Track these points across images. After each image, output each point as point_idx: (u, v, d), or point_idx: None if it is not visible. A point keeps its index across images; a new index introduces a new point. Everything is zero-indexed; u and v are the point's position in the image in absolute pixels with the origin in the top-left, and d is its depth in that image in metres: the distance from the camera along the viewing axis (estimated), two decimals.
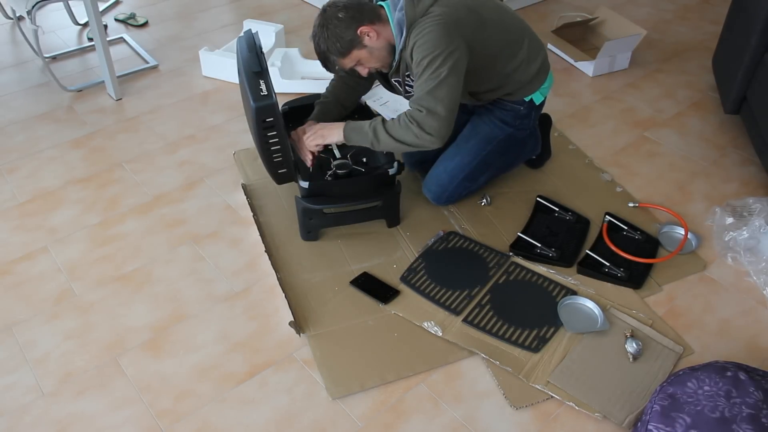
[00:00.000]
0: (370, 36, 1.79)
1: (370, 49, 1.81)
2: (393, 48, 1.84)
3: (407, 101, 2.60)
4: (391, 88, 2.05)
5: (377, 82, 2.77)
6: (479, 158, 2.08)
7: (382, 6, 1.84)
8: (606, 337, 1.76)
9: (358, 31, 1.77)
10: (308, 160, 1.91)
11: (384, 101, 2.67)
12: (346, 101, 2.10)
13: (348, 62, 1.84)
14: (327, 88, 2.09)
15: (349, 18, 1.76)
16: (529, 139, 2.19)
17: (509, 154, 2.16)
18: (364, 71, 1.89)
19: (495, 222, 2.13)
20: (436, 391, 1.65)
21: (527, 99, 2.03)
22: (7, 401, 1.62)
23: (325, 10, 1.80)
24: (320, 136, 1.89)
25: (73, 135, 2.51)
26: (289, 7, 3.46)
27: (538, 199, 2.20)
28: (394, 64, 1.87)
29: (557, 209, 2.15)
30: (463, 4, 1.80)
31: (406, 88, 1.94)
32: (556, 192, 2.26)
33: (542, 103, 2.09)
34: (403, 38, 1.78)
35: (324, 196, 1.95)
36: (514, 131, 2.08)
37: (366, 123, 1.83)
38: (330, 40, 1.78)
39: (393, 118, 1.82)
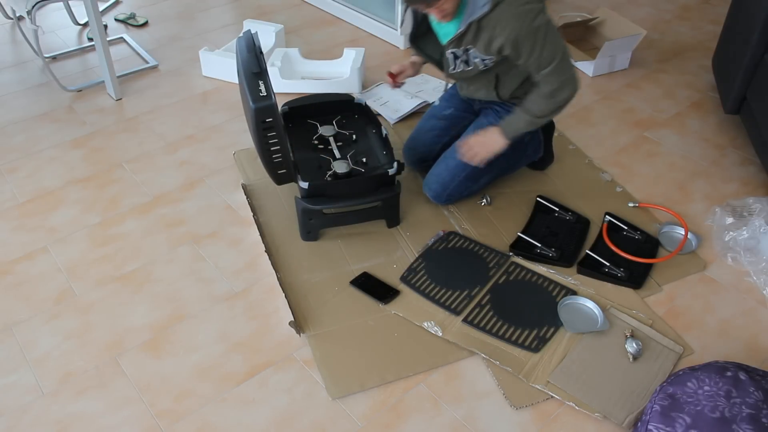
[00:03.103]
0: None
1: None
2: (458, 8, 1.80)
3: (406, 101, 2.63)
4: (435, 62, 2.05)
5: (377, 84, 2.78)
6: None
7: None
8: (606, 337, 1.76)
9: None
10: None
11: (384, 101, 2.67)
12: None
13: None
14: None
15: None
16: (531, 142, 2.19)
17: (512, 155, 2.16)
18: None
19: (495, 222, 2.13)
20: (436, 391, 1.65)
21: None
22: (7, 401, 1.62)
23: None
24: (484, 150, 1.96)
25: (73, 135, 2.51)
26: (289, 7, 3.46)
27: (538, 199, 2.20)
28: (459, 32, 1.83)
29: (557, 209, 2.15)
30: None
31: (457, 63, 1.92)
32: (556, 192, 2.26)
33: None
34: (485, 9, 1.74)
35: (324, 196, 1.95)
36: None
37: (520, 123, 1.92)
38: None
39: (533, 99, 1.88)
